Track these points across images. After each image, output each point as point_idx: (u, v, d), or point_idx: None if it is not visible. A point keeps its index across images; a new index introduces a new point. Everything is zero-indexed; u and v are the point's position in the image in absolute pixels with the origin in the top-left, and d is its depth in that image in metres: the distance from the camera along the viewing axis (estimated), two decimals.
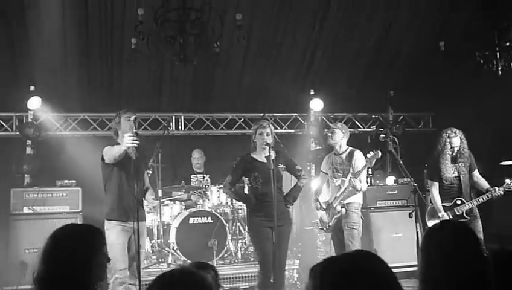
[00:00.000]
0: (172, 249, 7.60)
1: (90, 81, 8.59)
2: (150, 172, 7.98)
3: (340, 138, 6.61)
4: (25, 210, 7.41)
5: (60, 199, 7.55)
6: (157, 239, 7.90)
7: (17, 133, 8.49)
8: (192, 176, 8.64)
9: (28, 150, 8.36)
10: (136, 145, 5.16)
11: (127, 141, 5.11)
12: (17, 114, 8.65)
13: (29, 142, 8.36)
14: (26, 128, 8.25)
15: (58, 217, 7.39)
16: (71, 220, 7.35)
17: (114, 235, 5.23)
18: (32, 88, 8.18)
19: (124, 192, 5.32)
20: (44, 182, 7.87)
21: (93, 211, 7.06)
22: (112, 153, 5.30)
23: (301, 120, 9.95)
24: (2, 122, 8.65)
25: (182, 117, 9.50)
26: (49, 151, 8.42)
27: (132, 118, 5.38)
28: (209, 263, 3.83)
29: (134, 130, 5.22)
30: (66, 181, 7.69)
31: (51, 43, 7.95)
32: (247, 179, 6.33)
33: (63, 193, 7.58)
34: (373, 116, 10.24)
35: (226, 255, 7.81)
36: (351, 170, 6.39)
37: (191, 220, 7.66)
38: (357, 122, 10.15)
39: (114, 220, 5.33)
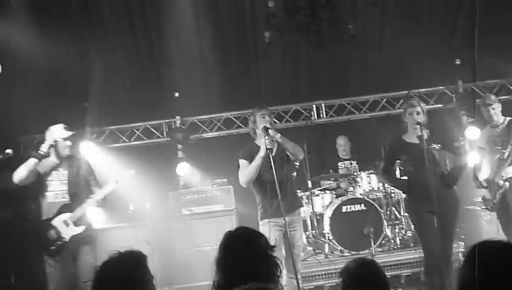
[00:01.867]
0: (328, 239, 7.49)
1: (229, 80, 8.72)
2: (297, 164, 7.94)
3: (500, 109, 6.08)
4: (183, 211, 7.70)
5: (214, 198, 7.74)
6: (312, 230, 7.84)
7: (168, 138, 8.89)
8: (339, 164, 8.45)
9: (180, 154, 8.71)
10: (271, 147, 5.12)
11: (262, 149, 5.12)
12: (166, 121, 9.04)
13: (179, 146, 8.71)
14: (176, 133, 8.61)
15: (215, 216, 7.59)
16: (226, 218, 7.53)
17: (267, 232, 5.20)
18: (176, 94, 8.49)
19: (269, 190, 5.24)
20: (198, 183, 8.17)
21: (246, 208, 7.18)
22: (246, 175, 5.29)
23: (449, 93, 9.30)
24: (153, 130, 9.09)
25: (323, 105, 9.30)
26: (199, 153, 8.71)
27: (266, 116, 5.33)
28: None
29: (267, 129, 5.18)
30: (218, 180, 7.88)
31: (189, 49, 8.21)
32: (399, 162, 6.04)
33: (216, 192, 7.77)
34: None
35: (383, 241, 7.52)
36: None
37: (343, 209, 7.48)
38: None
39: (266, 219, 5.31)
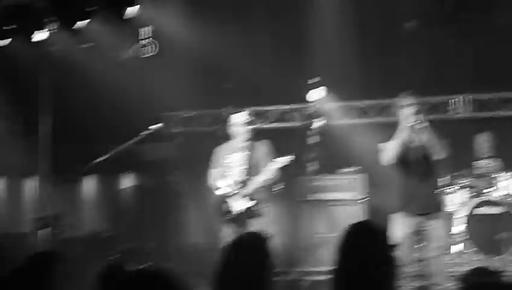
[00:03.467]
0: (459, 240, 7.19)
1: (368, 68, 8.60)
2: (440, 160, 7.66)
3: None
4: (311, 197, 7.75)
5: (345, 186, 7.68)
6: None
7: (302, 123, 8.97)
8: (477, 162, 8.02)
9: (312, 140, 8.74)
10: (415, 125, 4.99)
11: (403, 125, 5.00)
12: (300, 106, 9.13)
13: (312, 131, 8.74)
14: (310, 119, 8.65)
15: (343, 204, 7.54)
16: (356, 207, 7.46)
17: (398, 226, 5.10)
18: (314, 79, 8.52)
19: (410, 181, 5.13)
20: (329, 170, 8.16)
21: (380, 198, 7.10)
22: (385, 155, 5.19)
23: None
24: (287, 114, 9.24)
25: (465, 98, 8.86)
26: (332, 140, 8.71)
27: (410, 106, 5.18)
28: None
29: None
30: (350, 168, 7.82)
31: (329, 32, 8.20)
32: None
33: (347, 180, 7.69)
34: None
35: None
36: None
37: (477, 210, 7.12)
38: None
39: (400, 212, 5.20)
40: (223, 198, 5.84)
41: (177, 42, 7.62)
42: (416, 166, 5.03)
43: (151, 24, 7.06)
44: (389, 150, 5.18)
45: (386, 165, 5.27)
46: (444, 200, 7.27)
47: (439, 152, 5.22)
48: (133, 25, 6.87)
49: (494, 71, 8.59)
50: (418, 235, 5.15)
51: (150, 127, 5.92)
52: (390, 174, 5.48)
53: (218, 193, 5.91)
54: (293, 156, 5.98)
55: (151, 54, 6.80)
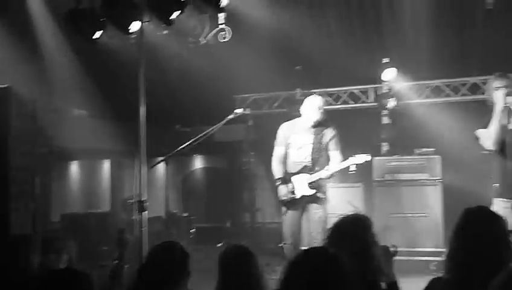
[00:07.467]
0: None
1: (440, 47, 8.44)
2: None
3: None
4: (386, 177, 7.76)
5: (419, 167, 7.62)
6: None
7: (374, 103, 8.95)
8: None
9: (385, 120, 8.72)
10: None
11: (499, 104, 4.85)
12: (373, 86, 9.11)
13: (385, 111, 8.72)
14: (383, 99, 8.63)
15: (418, 185, 7.52)
16: (431, 188, 7.43)
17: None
18: (385, 60, 8.47)
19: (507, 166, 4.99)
20: (402, 151, 8.12)
21: (454, 179, 7.03)
22: (486, 141, 5.01)
23: None
24: (358, 95, 9.25)
25: None
26: (405, 120, 8.64)
27: (503, 88, 5.01)
28: None
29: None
30: (425, 149, 7.75)
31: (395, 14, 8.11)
32: None
33: (422, 161, 7.63)
34: None
35: None
36: None
37: None
38: None
39: (499, 198, 5.06)
40: (287, 178, 5.84)
41: (251, 25, 7.69)
42: None
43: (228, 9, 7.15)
44: (490, 136, 5.00)
45: (489, 151, 5.08)
46: None
47: None
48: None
49: None
50: None
51: (236, 111, 5.94)
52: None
53: (278, 174, 5.90)
54: (370, 156, 5.88)
55: (228, 38, 6.88)
